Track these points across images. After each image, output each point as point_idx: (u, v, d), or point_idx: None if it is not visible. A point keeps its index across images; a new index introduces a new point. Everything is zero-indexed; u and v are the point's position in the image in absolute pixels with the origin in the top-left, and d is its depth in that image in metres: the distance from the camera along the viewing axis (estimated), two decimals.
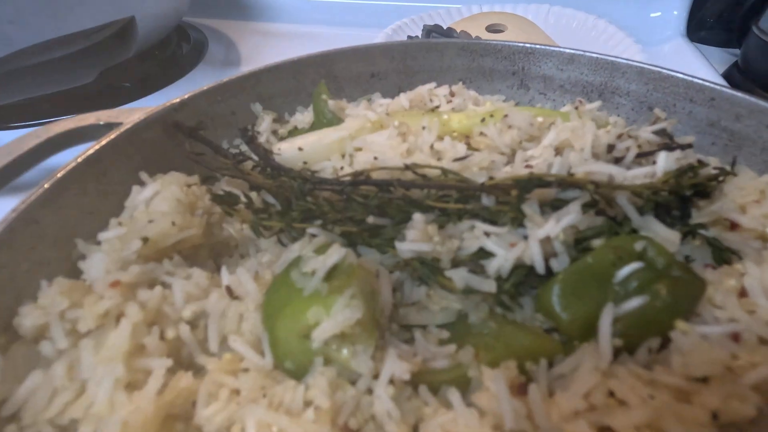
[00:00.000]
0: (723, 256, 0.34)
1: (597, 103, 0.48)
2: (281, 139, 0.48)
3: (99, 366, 0.27)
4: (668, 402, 0.22)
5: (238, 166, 0.44)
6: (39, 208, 0.34)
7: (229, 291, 0.32)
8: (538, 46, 0.56)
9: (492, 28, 1.26)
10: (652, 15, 1.33)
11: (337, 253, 0.29)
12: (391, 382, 0.26)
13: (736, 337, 0.26)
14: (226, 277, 0.33)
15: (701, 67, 1.09)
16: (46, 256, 0.34)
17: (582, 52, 0.54)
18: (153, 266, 0.34)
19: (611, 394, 0.24)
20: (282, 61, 0.55)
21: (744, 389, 0.23)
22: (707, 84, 0.47)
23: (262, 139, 0.50)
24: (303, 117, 0.51)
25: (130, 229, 0.34)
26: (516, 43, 0.57)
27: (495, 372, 0.26)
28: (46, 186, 0.34)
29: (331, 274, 0.28)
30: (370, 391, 0.27)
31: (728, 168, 0.38)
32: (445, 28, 1.08)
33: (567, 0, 1.29)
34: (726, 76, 1.07)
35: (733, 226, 0.35)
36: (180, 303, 0.31)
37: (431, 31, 1.07)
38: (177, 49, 1.22)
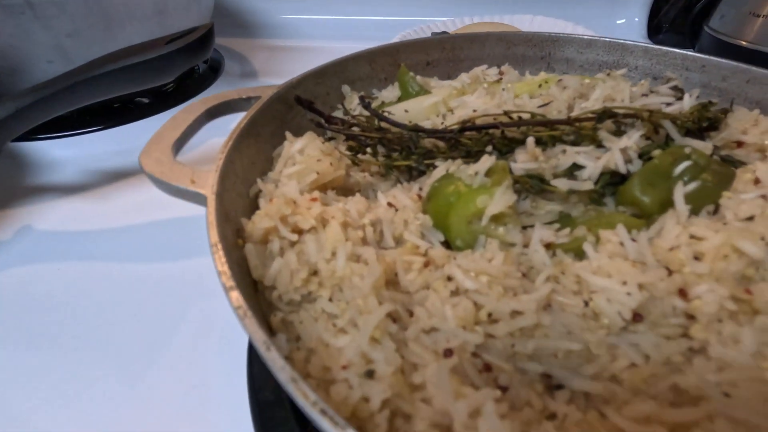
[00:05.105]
0: (736, 165, 0.47)
1: (623, 70, 0.62)
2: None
3: (328, 249, 0.36)
4: (733, 231, 0.35)
5: (350, 130, 0.55)
6: (233, 152, 0.43)
7: (391, 205, 0.43)
8: (561, 34, 0.70)
9: None
10: (618, 22, 1.54)
11: (489, 160, 0.40)
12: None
13: (765, 197, 0.39)
14: (383, 197, 0.44)
15: None
16: (240, 189, 0.43)
17: (598, 38, 0.68)
18: (323, 194, 0.44)
19: (692, 236, 0.36)
20: (360, 51, 0.66)
21: None
22: (698, 55, 0.62)
23: (354, 113, 0.61)
24: (388, 93, 0.62)
25: (306, 166, 0.44)
26: (543, 33, 0.71)
27: (611, 230, 0.38)
28: (234, 137, 0.44)
29: (488, 173, 0.40)
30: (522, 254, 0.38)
31: (729, 108, 0.52)
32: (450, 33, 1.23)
33: (546, 11, 1.47)
34: None
35: (739, 145, 0.49)
36: (355, 215, 0.41)
37: (441, 35, 1.22)
38: (194, 67, 1.27)
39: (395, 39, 1.35)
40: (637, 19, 1.53)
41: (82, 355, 0.52)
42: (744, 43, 1.15)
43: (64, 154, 0.94)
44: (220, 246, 0.31)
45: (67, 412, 0.46)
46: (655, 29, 1.58)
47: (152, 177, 0.40)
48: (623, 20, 1.54)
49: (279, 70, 1.40)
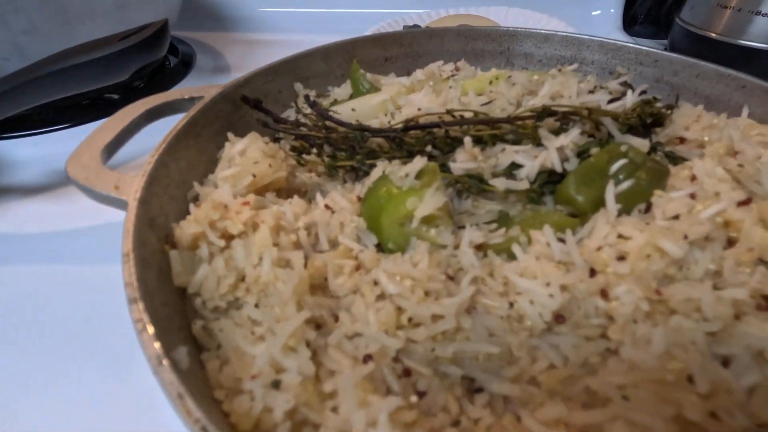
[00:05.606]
0: (677, 162, 0.47)
1: (574, 66, 0.62)
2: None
3: (255, 254, 0.36)
4: (656, 230, 0.35)
5: (297, 129, 0.54)
6: (166, 156, 0.42)
7: (328, 207, 0.42)
8: (519, 29, 0.70)
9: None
10: (594, 13, 1.52)
11: (421, 161, 0.40)
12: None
13: (692, 196, 0.39)
14: (321, 199, 0.43)
15: None
16: (174, 193, 0.43)
17: (554, 32, 0.68)
18: (260, 198, 0.43)
19: (620, 235, 0.36)
20: (314, 47, 0.65)
21: (703, 221, 0.35)
22: (651, 50, 0.62)
23: (306, 111, 0.60)
24: (341, 91, 0.61)
25: (242, 169, 0.43)
26: (501, 27, 0.70)
27: (540, 231, 0.37)
28: (168, 140, 0.43)
29: (418, 175, 0.39)
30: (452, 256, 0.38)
31: (674, 104, 0.52)
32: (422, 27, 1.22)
33: (521, 2, 1.46)
34: None
35: (681, 141, 0.49)
36: (291, 218, 0.41)
37: (410, 29, 1.21)
38: (165, 61, 1.22)
39: (368, 32, 1.33)
40: (612, 11, 1.53)
41: (45, 356, 0.51)
42: (713, 34, 1.15)
43: (29, 153, 0.92)
44: (131, 256, 0.31)
45: (28, 410, 0.46)
46: (631, 20, 1.57)
47: (76, 183, 0.39)
48: (598, 12, 1.53)
49: (254, 65, 1.37)
